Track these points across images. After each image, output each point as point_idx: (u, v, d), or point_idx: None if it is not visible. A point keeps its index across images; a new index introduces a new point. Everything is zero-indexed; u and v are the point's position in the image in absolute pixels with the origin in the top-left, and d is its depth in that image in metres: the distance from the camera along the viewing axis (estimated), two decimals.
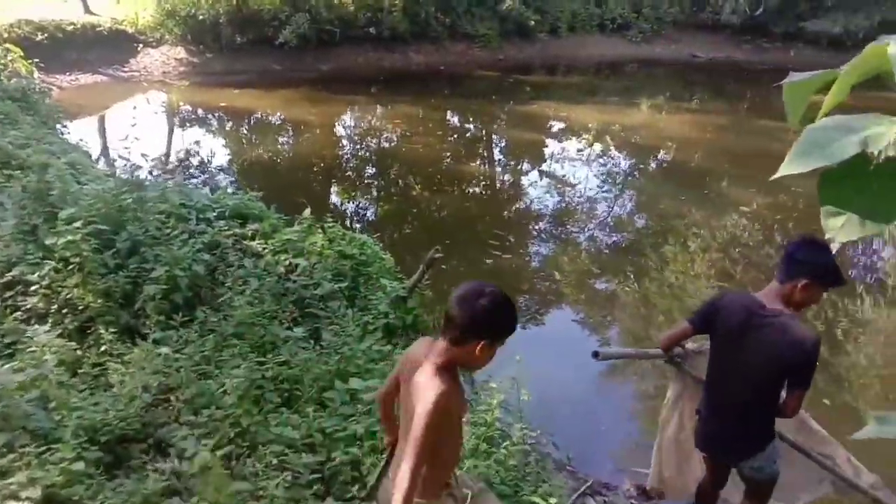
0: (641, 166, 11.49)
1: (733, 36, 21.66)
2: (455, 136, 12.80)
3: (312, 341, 3.64)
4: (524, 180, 10.39)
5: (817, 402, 4.46)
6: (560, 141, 12.65)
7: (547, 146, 12.16)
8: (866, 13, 19.87)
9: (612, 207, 9.26)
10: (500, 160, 11.69)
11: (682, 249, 7.62)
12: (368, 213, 8.53)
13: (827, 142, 1.05)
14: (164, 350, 3.10)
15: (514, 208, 9.13)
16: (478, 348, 1.89)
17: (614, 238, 8.19)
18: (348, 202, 8.81)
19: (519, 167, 11.15)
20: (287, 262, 4.32)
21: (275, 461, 2.61)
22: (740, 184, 10.05)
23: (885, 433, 0.99)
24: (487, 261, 6.92)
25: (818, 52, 20.60)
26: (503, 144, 12.69)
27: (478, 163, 11.06)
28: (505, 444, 2.99)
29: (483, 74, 17.57)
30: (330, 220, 5.11)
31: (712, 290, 6.68)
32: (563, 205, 9.21)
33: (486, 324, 1.89)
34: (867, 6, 19.92)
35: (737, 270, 7.20)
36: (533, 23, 19.33)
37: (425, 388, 1.87)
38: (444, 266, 4.45)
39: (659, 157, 11.94)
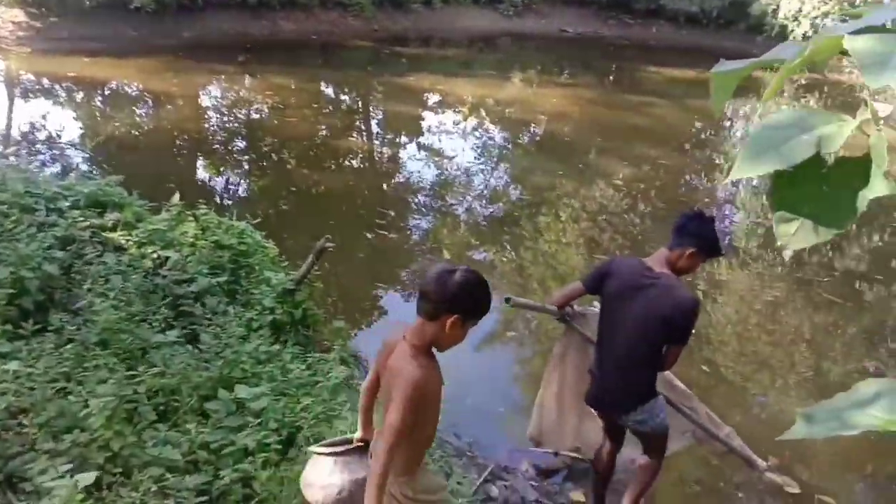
0: (516, 139, 11.65)
1: (600, 12, 22.35)
2: (331, 108, 12.37)
3: (189, 345, 3.27)
4: (403, 154, 10.22)
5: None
6: (437, 114, 12.56)
7: (424, 119, 12.04)
8: None
9: (489, 180, 9.35)
10: (378, 134, 11.44)
11: (554, 219, 7.82)
12: (243, 196, 8.02)
13: (779, 142, 0.94)
14: (13, 365, 2.64)
15: (394, 183, 8.97)
16: (448, 322, 1.93)
17: (491, 210, 8.28)
18: (220, 184, 8.25)
19: (397, 141, 10.96)
20: (155, 256, 3.88)
21: (154, 487, 2.29)
22: (608, 156, 10.43)
23: (814, 433, 0.91)
24: (371, 238, 6.76)
25: (677, 30, 21.76)
26: (381, 117, 12.43)
27: (356, 137, 10.75)
28: None
29: (358, 45, 17.09)
30: (203, 206, 4.65)
31: (582, 257, 6.92)
32: (442, 178, 9.17)
33: (458, 298, 1.94)
34: None
35: (604, 238, 7.49)
36: None
37: (403, 369, 1.93)
38: (329, 247, 4.19)
39: (532, 130, 12.16)
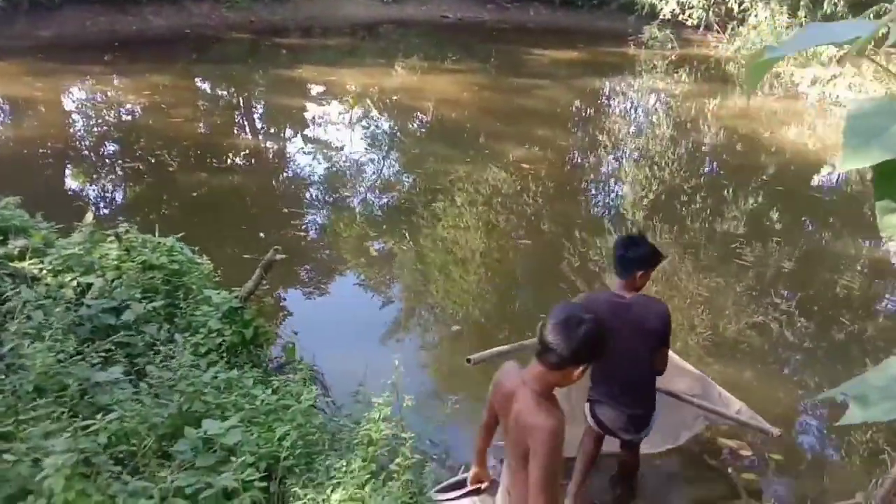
0: (405, 127, 11.64)
1: None
2: (214, 106, 11.89)
3: (137, 381, 2.94)
4: (293, 148, 9.99)
5: None
6: (324, 105, 12.32)
7: (312, 112, 11.79)
8: None
9: (382, 169, 9.31)
10: (265, 129, 11.11)
11: (450, 204, 7.89)
12: (143, 208, 7.53)
13: (879, 131, 0.89)
14: None
15: (288, 179, 8.76)
16: (576, 374, 2.07)
17: (386, 199, 8.25)
18: (118, 197, 7.79)
19: (285, 135, 10.68)
20: (75, 284, 3.48)
21: None
22: (499, 138, 10.60)
23: (872, 417, 0.88)
24: (292, 237, 6.63)
25: (553, 11, 22.35)
26: (266, 112, 12.06)
27: (245, 134, 10.41)
28: (396, 460, 2.59)
29: (235, 37, 16.48)
30: (123, 223, 4.20)
31: (482, 241, 7.03)
32: (335, 171, 9.04)
33: (583, 352, 2.04)
34: None
35: (500, 220, 7.62)
36: None
37: (537, 423, 2.00)
38: (278, 258, 3.97)
39: (421, 116, 12.16)
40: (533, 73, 15.51)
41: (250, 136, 10.40)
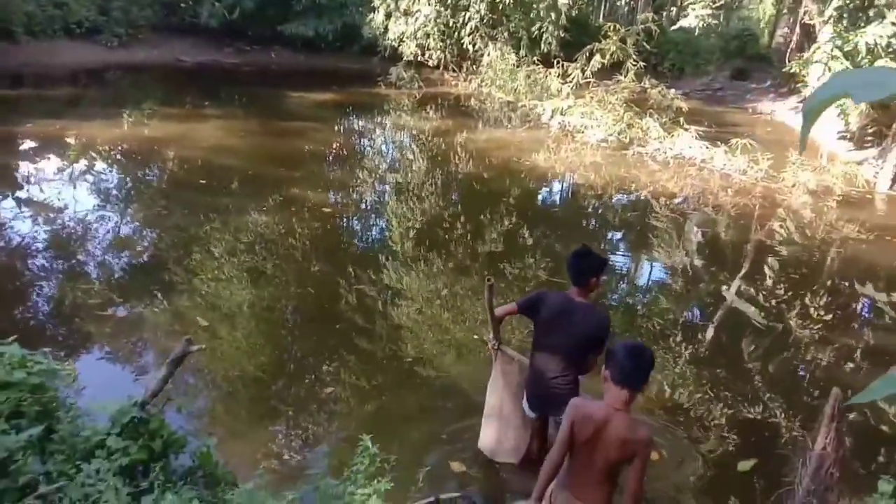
0: (141, 177, 10.49)
1: (215, 39, 21.62)
2: None
3: None
4: (5, 214, 8.38)
5: None
6: (40, 162, 10.63)
7: (29, 170, 10.12)
8: (330, 18, 22.02)
9: (120, 227, 8.21)
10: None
11: (208, 256, 7.16)
12: None
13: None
14: None
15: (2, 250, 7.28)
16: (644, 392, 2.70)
17: (129, 260, 7.22)
18: None
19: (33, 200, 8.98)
20: None
21: None
22: (253, 184, 10.01)
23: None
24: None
25: (295, 54, 22.12)
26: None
27: None
28: None
29: None
30: None
31: (246, 290, 6.42)
32: (64, 235, 7.73)
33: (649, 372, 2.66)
34: (330, 11, 22.07)
35: (267, 266, 7.10)
36: None
37: (635, 436, 2.57)
38: (192, 350, 3.07)
39: (161, 164, 11.06)
40: (300, 116, 15.05)
41: None
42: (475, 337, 5.83)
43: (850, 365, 6.24)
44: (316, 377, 5.24)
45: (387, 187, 10.73)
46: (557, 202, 11.07)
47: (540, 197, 11.76)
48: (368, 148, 13.82)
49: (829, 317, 7.08)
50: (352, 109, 17.03)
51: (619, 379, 2.59)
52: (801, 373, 6.11)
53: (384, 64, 20.38)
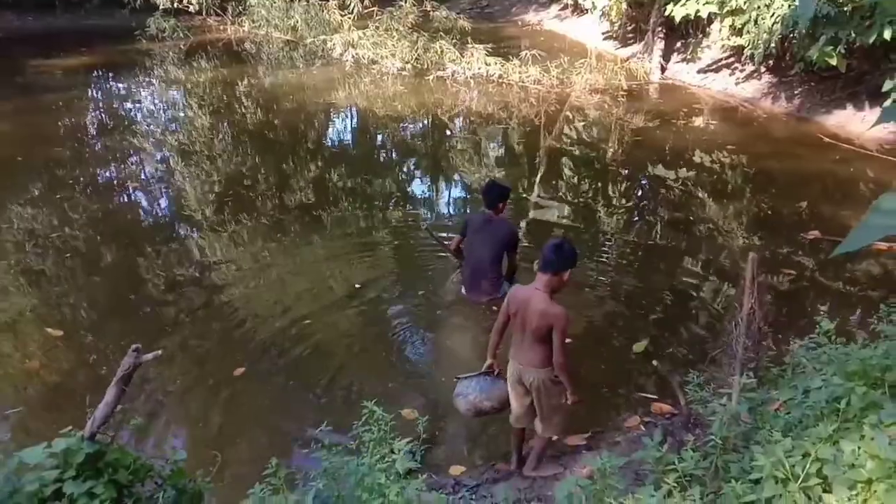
0: None
1: None
2: None
3: None
4: None
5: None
6: None
7: None
8: None
9: None
10: None
11: None
12: None
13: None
14: None
15: None
16: (566, 275, 3.37)
17: None
18: None
19: None
20: None
21: None
22: (8, 172, 8.46)
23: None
24: None
25: (21, 18, 19.02)
26: None
27: None
28: None
29: None
30: None
31: (25, 298, 5.38)
32: None
33: (571, 260, 3.39)
34: None
35: (45, 264, 6.01)
36: None
37: (556, 311, 3.28)
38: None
39: None
40: (49, 88, 12.81)
41: None
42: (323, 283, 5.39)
43: (655, 235, 6.63)
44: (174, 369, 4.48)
45: (170, 152, 9.50)
46: (368, 139, 10.60)
47: (346, 136, 11.22)
48: (139, 111, 12.15)
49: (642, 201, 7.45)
50: (110, 71, 14.94)
51: (540, 266, 3.35)
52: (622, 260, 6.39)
53: (137, 17, 17.99)
